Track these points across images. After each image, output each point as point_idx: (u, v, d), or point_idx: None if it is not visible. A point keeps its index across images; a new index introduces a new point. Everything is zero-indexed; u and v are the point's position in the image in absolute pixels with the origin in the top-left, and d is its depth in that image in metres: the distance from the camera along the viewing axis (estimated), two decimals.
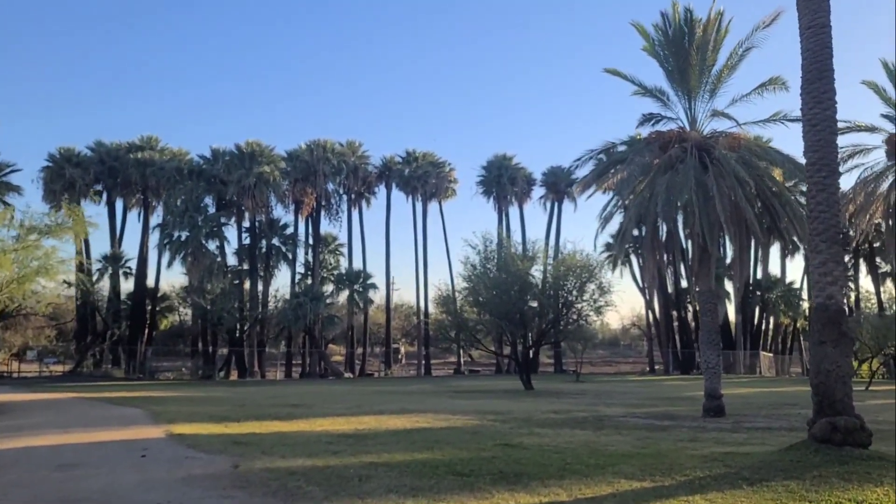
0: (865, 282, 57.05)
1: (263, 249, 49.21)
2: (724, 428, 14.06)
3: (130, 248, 50.40)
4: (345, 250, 54.18)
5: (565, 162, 58.60)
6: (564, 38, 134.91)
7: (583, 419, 15.73)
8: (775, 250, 53.58)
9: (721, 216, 16.31)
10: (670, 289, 52.76)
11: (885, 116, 26.91)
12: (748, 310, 53.38)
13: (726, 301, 52.97)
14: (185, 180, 46.97)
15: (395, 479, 7.95)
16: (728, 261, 37.43)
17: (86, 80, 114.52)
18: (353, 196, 53.16)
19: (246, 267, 49.02)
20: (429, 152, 54.83)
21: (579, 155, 19.73)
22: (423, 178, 53.41)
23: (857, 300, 56.83)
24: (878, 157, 27.49)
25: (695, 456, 9.58)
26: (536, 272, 31.96)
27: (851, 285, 57.25)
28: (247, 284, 48.94)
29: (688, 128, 18.14)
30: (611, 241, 38.95)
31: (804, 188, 10.49)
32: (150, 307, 49.58)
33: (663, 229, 18.18)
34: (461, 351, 53.06)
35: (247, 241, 49.30)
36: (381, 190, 55.24)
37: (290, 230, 50.51)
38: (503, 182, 55.49)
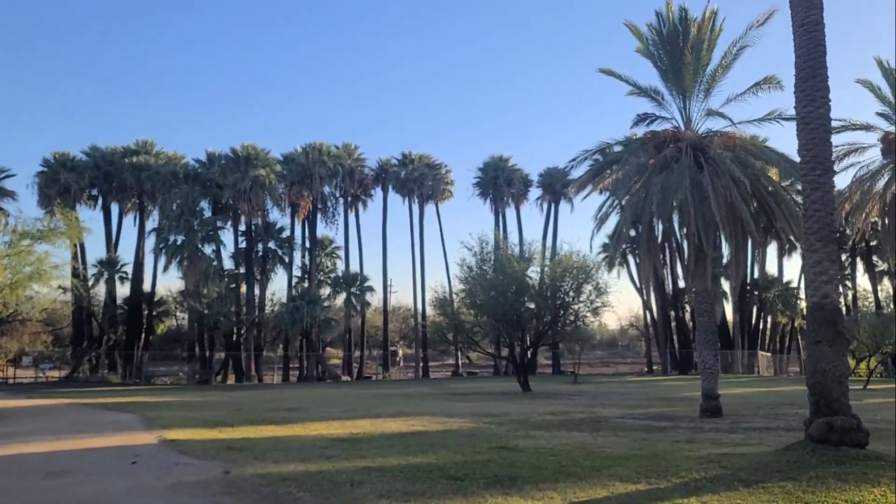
0: (863, 280, 57.12)
1: (260, 253, 49.12)
2: (721, 428, 13.99)
3: (126, 253, 50.15)
4: (341, 253, 54.12)
5: (562, 163, 58.77)
6: (561, 39, 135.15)
7: (579, 421, 15.65)
8: (772, 250, 53.88)
9: (716, 216, 16.27)
10: (668, 289, 52.74)
11: (881, 115, 26.95)
12: (746, 309, 53.38)
13: (724, 301, 53.03)
14: (180, 184, 46.87)
15: (388, 483, 7.87)
16: (725, 260, 37.44)
17: (81, 85, 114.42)
18: (349, 199, 53.07)
19: (242, 271, 48.88)
20: (425, 154, 54.84)
21: (574, 155, 19.68)
22: (419, 181, 53.35)
23: (855, 299, 56.84)
24: (874, 156, 27.55)
25: (691, 457, 9.50)
26: (533, 273, 31.91)
27: (849, 284, 57.34)
28: (243, 288, 48.76)
29: (683, 127, 18.10)
30: (608, 241, 38.81)
31: (800, 187, 10.43)
32: (146, 312, 49.41)
33: (659, 229, 18.13)
34: (459, 353, 52.94)
35: (243, 245, 49.20)
36: (378, 192, 55.23)
37: (286, 233, 50.49)
38: (499, 184, 55.43)
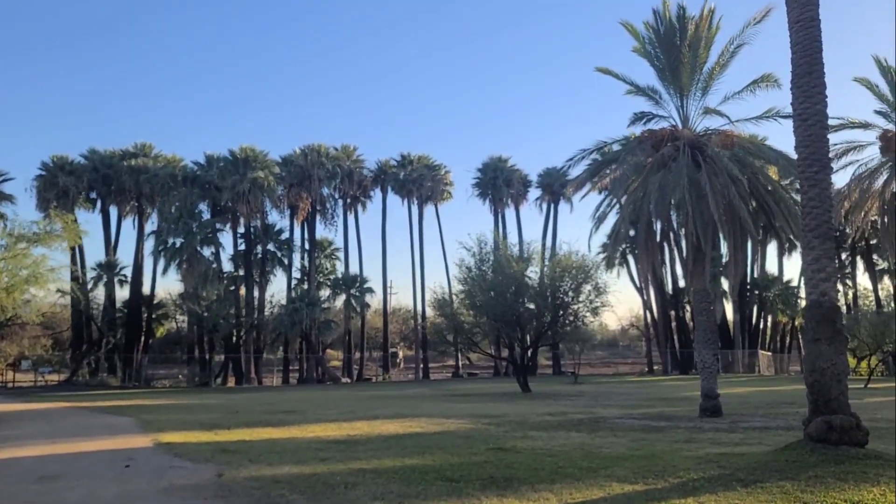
0: (863, 279, 57.03)
1: (259, 255, 49.09)
2: (720, 428, 13.90)
3: (126, 256, 50.12)
4: (341, 255, 54.06)
5: (561, 163, 58.46)
6: (559, 39, 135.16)
7: (578, 421, 15.56)
8: (772, 249, 53.84)
9: (714, 214, 16.18)
10: (668, 288, 52.63)
11: (879, 112, 26.86)
12: (746, 309, 53.27)
13: (724, 300, 52.92)
14: (179, 187, 46.85)
15: (383, 485, 7.78)
16: (725, 260, 37.30)
17: (79, 89, 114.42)
18: (348, 200, 53.01)
19: (241, 273, 48.83)
20: (424, 155, 54.78)
21: (572, 155, 19.58)
22: (418, 182, 53.29)
23: (855, 297, 56.74)
24: (873, 154, 27.45)
25: (689, 457, 9.42)
26: (532, 274, 31.84)
27: (849, 283, 57.26)
28: (242, 290, 48.73)
29: (680, 126, 18.02)
30: (607, 241, 38.76)
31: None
32: (145, 315, 49.37)
33: (657, 228, 18.04)
34: (459, 354, 52.85)
35: (242, 247, 49.16)
36: (377, 194, 55.16)
37: (285, 235, 50.45)
38: (499, 184, 55.35)
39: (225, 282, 47.95)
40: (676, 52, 17.34)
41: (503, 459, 9.58)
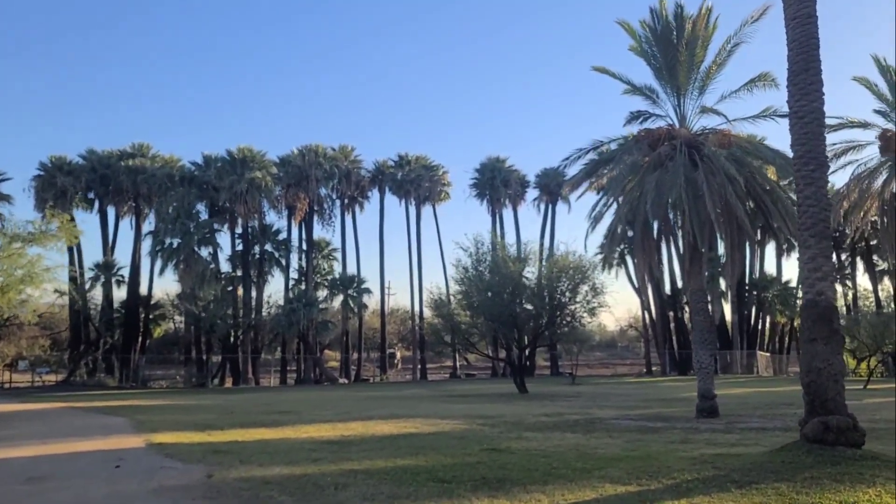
0: (863, 280, 56.98)
1: (256, 255, 48.99)
2: (716, 429, 13.82)
3: (123, 256, 50.06)
4: (338, 255, 53.95)
5: (559, 163, 58.35)
6: (558, 39, 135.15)
7: (574, 422, 15.48)
8: (771, 249, 53.78)
9: (711, 214, 16.11)
10: (667, 289, 52.53)
11: (878, 112, 26.79)
12: (745, 309, 53.18)
13: (723, 301, 52.81)
14: (176, 187, 46.73)
15: (373, 486, 7.70)
16: (723, 260, 37.11)
17: (77, 89, 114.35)
18: (346, 201, 52.91)
19: (239, 273, 48.70)
20: (421, 155, 54.64)
21: (568, 154, 19.48)
22: (415, 182, 53.17)
23: (855, 298, 56.70)
24: (872, 154, 27.36)
25: (684, 458, 9.34)
26: (530, 274, 31.73)
27: (849, 283, 57.21)
28: (240, 291, 48.62)
29: (677, 125, 17.94)
30: (604, 241, 38.67)
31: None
32: (143, 315, 49.26)
33: (654, 228, 17.95)
34: (457, 355, 52.73)
35: (239, 248, 49.01)
36: (375, 194, 54.97)
37: (282, 236, 50.30)
38: (496, 184, 55.23)
39: (222, 282, 47.83)
40: (673, 50, 17.26)
41: (496, 460, 9.50)
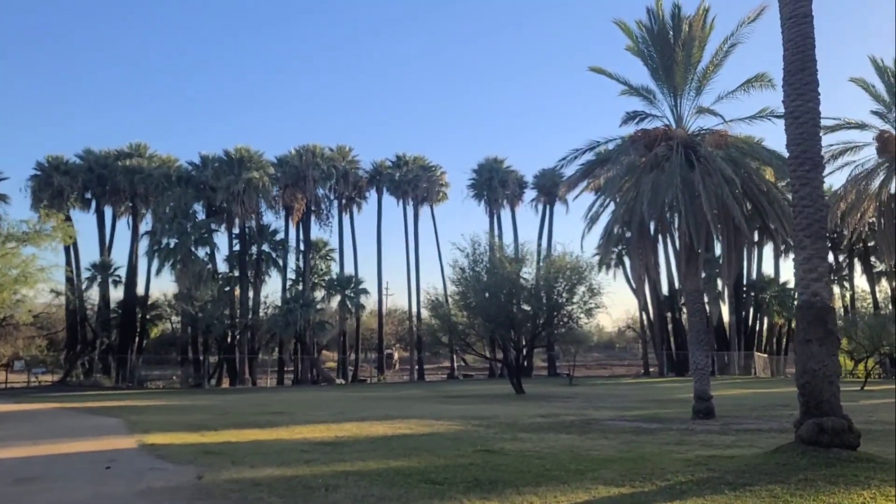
0: (860, 281, 56.96)
1: (253, 256, 48.90)
2: (712, 430, 13.76)
3: (120, 257, 49.97)
4: (336, 256, 53.86)
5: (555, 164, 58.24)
6: (556, 40, 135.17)
7: (569, 423, 15.42)
8: (769, 250, 53.73)
9: (708, 215, 16.07)
10: (664, 290, 52.49)
11: (875, 113, 26.75)
12: (742, 310, 53.16)
13: (721, 302, 52.80)
14: (173, 187, 46.59)
15: (364, 488, 7.63)
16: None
17: (74, 88, 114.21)
18: (343, 201, 52.82)
19: (236, 273, 48.61)
20: (419, 156, 54.60)
21: (565, 154, 19.41)
22: (413, 182, 53.11)
23: (853, 299, 56.67)
24: (869, 155, 27.31)
25: (678, 460, 9.27)
26: (527, 275, 31.70)
27: (846, 285, 57.18)
28: (237, 291, 48.51)
29: (674, 126, 17.88)
30: (601, 242, 38.60)
31: None
32: (140, 315, 49.15)
33: (650, 229, 17.89)
34: (454, 355, 52.69)
35: (237, 248, 48.94)
36: (372, 195, 54.94)
37: (280, 236, 50.28)
38: (494, 185, 55.19)
39: (219, 282, 47.75)
40: (670, 51, 17.22)
41: (490, 462, 9.43)
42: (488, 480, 7.96)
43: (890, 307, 50.27)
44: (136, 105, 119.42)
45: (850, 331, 35.74)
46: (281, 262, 49.99)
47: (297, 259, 52.01)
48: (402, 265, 56.80)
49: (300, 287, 49.55)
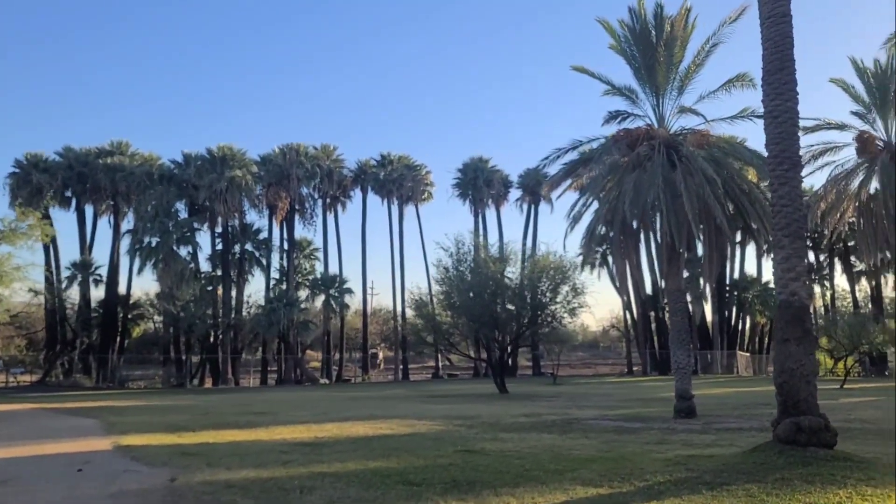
0: (841, 280, 57.56)
1: (236, 255, 48.52)
2: (693, 429, 13.78)
3: (101, 256, 49.35)
4: (320, 255, 53.54)
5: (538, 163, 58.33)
6: (541, 40, 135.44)
7: (551, 423, 15.40)
8: (751, 250, 54.11)
9: (689, 214, 16.09)
10: (648, 289, 52.69)
11: (855, 114, 26.98)
12: (725, 310, 53.52)
13: (704, 301, 53.12)
14: (155, 185, 46.15)
15: (341, 490, 7.55)
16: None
17: (54, 86, 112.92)
18: (327, 200, 52.53)
19: (219, 273, 48.22)
20: (404, 155, 54.42)
21: (548, 153, 19.38)
22: (398, 182, 52.96)
23: (833, 299, 57.24)
24: (849, 155, 27.53)
25: (658, 459, 9.26)
26: (511, 274, 31.68)
27: (827, 284, 57.74)
28: (220, 290, 48.13)
29: (656, 125, 17.93)
30: (584, 241, 38.67)
31: None
32: (121, 315, 48.61)
33: (633, 228, 17.91)
34: (439, 355, 52.61)
35: (219, 247, 48.53)
36: (357, 194, 54.69)
37: (263, 235, 49.93)
38: (479, 184, 55.14)
39: (202, 282, 47.35)
40: (652, 50, 17.25)
41: (469, 462, 9.38)
42: (466, 481, 7.90)
43: (869, 306, 50.82)
44: (119, 105, 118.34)
45: (829, 329, 36.06)
46: (264, 262, 49.71)
47: (281, 258, 51.74)
48: (387, 265, 56.73)
49: (284, 286, 49.24)
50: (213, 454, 10.44)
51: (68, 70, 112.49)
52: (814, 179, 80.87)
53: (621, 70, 24.00)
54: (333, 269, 51.71)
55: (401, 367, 52.65)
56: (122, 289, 48.38)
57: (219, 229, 48.32)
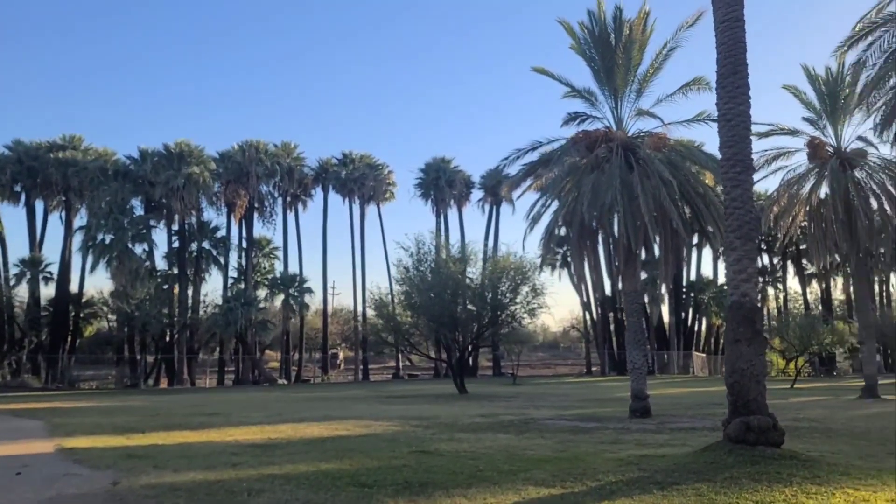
0: (793, 283, 59.08)
1: (193, 253, 47.61)
2: (647, 429, 13.92)
3: (53, 253, 47.92)
4: (280, 254, 53.05)
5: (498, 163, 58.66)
6: (504, 41, 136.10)
7: (508, 423, 15.40)
8: (707, 252, 55.18)
9: (646, 216, 16.26)
10: (608, 290, 53.34)
11: (806, 120, 27.59)
12: (682, 311, 54.46)
13: (661, 303, 54.00)
14: (110, 181, 45.01)
15: (290, 492, 7.37)
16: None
17: (4, 79, 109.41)
18: (288, 198, 51.97)
19: (175, 271, 47.29)
20: (366, 154, 54.20)
21: (507, 154, 19.43)
22: (360, 181, 52.66)
23: (786, 301, 58.72)
24: (801, 160, 28.12)
25: (611, 459, 9.30)
26: (472, 275, 31.69)
27: (780, 286, 59.22)
28: (176, 289, 47.17)
29: (614, 127, 18.08)
30: (542, 241, 38.91)
31: None
32: (73, 313, 47.29)
33: (591, 229, 18.04)
34: (400, 355, 52.44)
35: (176, 245, 47.61)
36: (318, 193, 54.29)
37: (221, 233, 49.12)
38: (441, 185, 55.18)
39: (158, 280, 46.38)
40: (611, 53, 17.40)
41: (423, 463, 9.28)
42: (419, 482, 7.81)
43: (820, 308, 52.23)
44: (74, 100, 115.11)
45: (782, 331, 36.97)
46: (222, 260, 48.86)
47: (240, 257, 51.01)
48: (349, 264, 56.32)
49: (242, 285, 48.51)
50: (161, 456, 10.15)
51: (19, 61, 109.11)
52: (767, 183, 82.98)
53: (583, 71, 24.24)
54: (293, 268, 51.24)
55: (361, 367, 52.36)
56: (74, 287, 47.18)
57: (175, 227, 47.45)
